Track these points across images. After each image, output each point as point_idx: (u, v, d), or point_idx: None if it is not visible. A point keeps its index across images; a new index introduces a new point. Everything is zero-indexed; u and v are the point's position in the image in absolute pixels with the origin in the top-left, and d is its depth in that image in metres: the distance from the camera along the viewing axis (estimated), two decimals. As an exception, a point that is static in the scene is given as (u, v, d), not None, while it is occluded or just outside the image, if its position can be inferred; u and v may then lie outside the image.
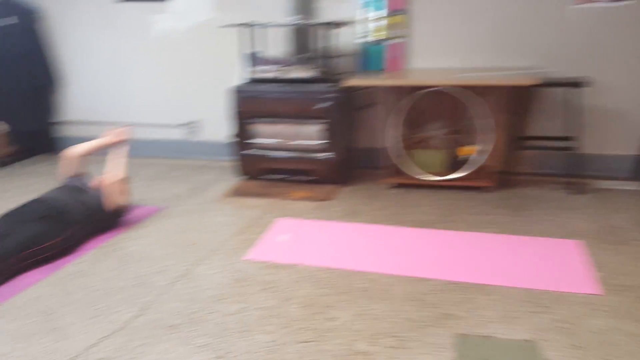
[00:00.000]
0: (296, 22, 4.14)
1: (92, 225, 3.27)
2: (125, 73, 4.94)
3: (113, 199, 3.34)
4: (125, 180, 3.47)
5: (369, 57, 4.33)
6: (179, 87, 4.85)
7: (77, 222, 3.13)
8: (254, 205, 3.77)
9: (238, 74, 4.37)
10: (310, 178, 4.13)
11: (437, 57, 4.20)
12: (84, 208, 3.20)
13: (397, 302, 2.47)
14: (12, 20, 4.80)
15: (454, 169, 4.00)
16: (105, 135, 3.62)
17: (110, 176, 3.41)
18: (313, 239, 3.20)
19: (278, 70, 4.12)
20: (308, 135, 4.06)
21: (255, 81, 4.15)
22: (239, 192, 4.03)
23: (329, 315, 2.39)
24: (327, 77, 4.04)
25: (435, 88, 3.72)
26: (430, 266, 2.80)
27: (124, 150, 3.57)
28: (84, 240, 3.21)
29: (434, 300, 2.48)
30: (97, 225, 3.31)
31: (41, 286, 2.70)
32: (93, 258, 3.00)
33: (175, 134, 4.98)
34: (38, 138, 5.14)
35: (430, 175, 3.96)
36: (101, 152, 3.58)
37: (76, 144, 5.20)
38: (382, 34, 4.27)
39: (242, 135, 4.19)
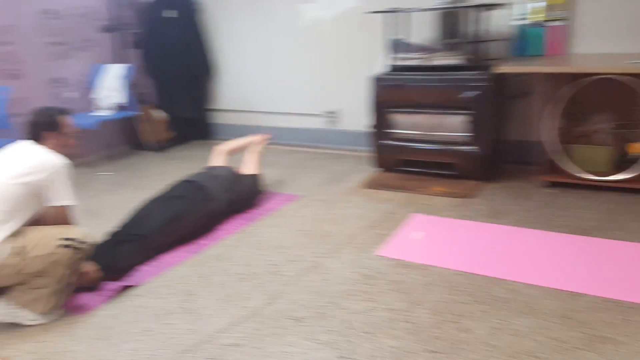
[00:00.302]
0: (445, 5, 3.88)
1: (231, 204, 3.40)
2: (272, 63, 5.08)
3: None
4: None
5: (526, 41, 3.94)
6: (322, 76, 4.86)
7: (215, 199, 3.28)
8: (389, 199, 3.63)
9: (380, 62, 4.24)
10: (451, 172, 3.88)
11: (604, 40, 3.69)
12: (222, 187, 3.37)
13: (543, 318, 2.19)
14: (174, 13, 5.16)
15: (620, 169, 3.49)
16: (250, 137, 4.05)
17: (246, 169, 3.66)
18: (450, 239, 2.98)
19: (422, 57, 3.92)
20: (451, 127, 3.81)
21: (398, 69, 3.99)
22: (374, 184, 3.92)
23: (462, 325, 2.18)
24: (476, 63, 3.75)
25: (604, 75, 3.25)
26: (584, 279, 2.45)
27: (259, 151, 3.95)
28: (222, 220, 3.34)
29: (586, 320, 2.16)
30: (235, 204, 3.43)
31: (182, 267, 2.84)
32: (230, 243, 3.10)
33: (316, 123, 5.01)
34: (193, 125, 5.50)
35: (592, 174, 3.50)
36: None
37: (226, 131, 5.52)
38: (541, 16, 3.85)
39: (381, 125, 4.06)
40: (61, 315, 2.41)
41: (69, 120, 2.56)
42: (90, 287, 2.62)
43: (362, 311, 2.33)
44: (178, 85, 5.31)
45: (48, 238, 2.30)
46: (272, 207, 3.61)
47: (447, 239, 2.98)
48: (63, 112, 2.55)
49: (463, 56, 3.78)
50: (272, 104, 5.19)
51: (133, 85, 5.25)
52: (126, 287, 2.63)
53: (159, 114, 5.30)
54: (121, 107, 4.87)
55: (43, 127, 2.46)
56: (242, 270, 2.76)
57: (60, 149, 2.48)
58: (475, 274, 2.57)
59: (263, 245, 3.05)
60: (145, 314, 2.42)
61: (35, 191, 2.30)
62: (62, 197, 2.37)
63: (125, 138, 5.33)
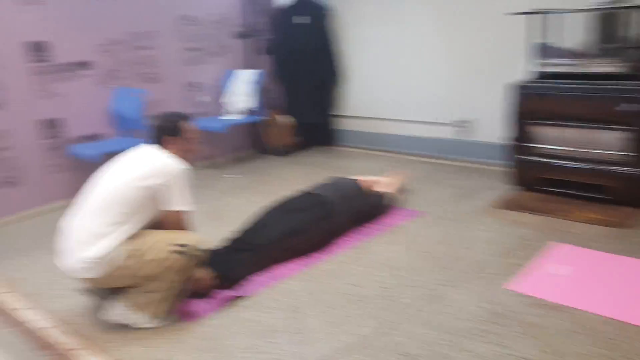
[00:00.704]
0: (604, 6, 3.38)
1: (351, 221, 3.22)
2: (401, 69, 4.84)
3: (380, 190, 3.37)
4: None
5: None
6: (454, 82, 4.52)
7: (338, 215, 3.11)
8: (526, 223, 3.22)
9: (523, 69, 3.81)
10: (603, 196, 3.35)
11: None
12: (345, 202, 3.18)
13: None
14: (305, 19, 5.13)
15: None
16: (386, 176, 3.82)
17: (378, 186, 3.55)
18: (601, 277, 2.53)
19: (575, 64, 3.45)
20: (605, 144, 3.30)
21: (544, 77, 3.55)
22: (509, 204, 3.52)
23: (615, 390, 1.79)
24: (638, 72, 3.21)
25: None
26: None
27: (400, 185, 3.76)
28: (341, 235, 3.16)
29: None
30: (355, 220, 3.25)
31: (292, 281, 2.71)
32: (343, 259, 2.92)
33: (446, 132, 4.67)
34: (318, 130, 5.43)
35: None
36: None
37: (351, 137, 5.38)
38: None
39: (521, 139, 3.63)
40: (173, 321, 2.39)
41: (191, 126, 2.54)
42: (204, 293, 2.58)
43: (490, 357, 2.01)
44: (305, 91, 5.28)
45: (163, 243, 2.29)
46: (391, 223, 3.37)
47: (595, 277, 2.53)
48: (185, 117, 2.54)
49: (624, 63, 3.25)
50: (399, 111, 4.95)
51: (263, 91, 5.32)
52: (237, 297, 2.56)
53: (286, 119, 5.30)
54: (250, 112, 4.93)
55: (165, 131, 2.47)
56: (354, 291, 2.56)
57: (182, 154, 2.47)
58: (630, 324, 2.12)
59: (378, 265, 2.82)
60: (252, 328, 2.31)
61: (153, 195, 2.30)
62: (179, 202, 2.35)
63: (252, 142, 5.41)
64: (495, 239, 3.02)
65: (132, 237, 2.27)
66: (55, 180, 4.02)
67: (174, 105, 4.68)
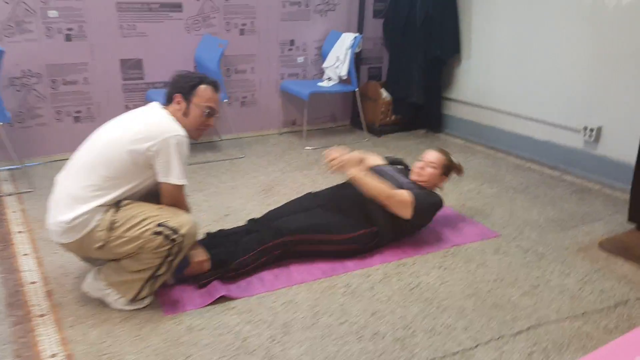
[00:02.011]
0: None
1: (390, 232, 2.62)
2: (530, 54, 3.99)
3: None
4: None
5: None
6: (592, 80, 3.61)
7: (383, 236, 2.58)
8: (631, 277, 2.43)
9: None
10: None
11: None
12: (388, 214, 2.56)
13: None
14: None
15: None
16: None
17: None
18: None
19: None
20: None
21: None
22: (621, 249, 2.70)
23: None
24: None
25: None
26: None
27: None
28: (378, 246, 2.63)
29: None
30: (395, 232, 2.65)
31: (301, 290, 2.28)
32: (372, 277, 2.41)
33: (569, 139, 3.81)
34: (421, 112, 4.79)
35: None
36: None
37: (459, 125, 4.68)
38: None
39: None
40: (148, 307, 2.11)
41: (211, 94, 2.16)
42: (203, 280, 2.25)
43: None
44: (413, 65, 4.62)
45: (141, 220, 1.98)
46: (451, 239, 2.77)
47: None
48: (209, 82, 2.16)
49: None
50: (518, 104, 4.14)
51: (364, 59, 4.80)
52: (228, 297, 2.20)
53: (386, 94, 4.74)
54: (346, 80, 4.45)
55: (178, 90, 2.13)
56: (369, 323, 2.07)
57: (188, 122, 2.12)
58: None
59: (412, 293, 2.28)
60: (227, 343, 1.95)
61: (143, 161, 1.99)
62: (168, 173, 2.01)
63: (347, 114, 4.94)
64: (577, 293, 2.31)
65: (115, 207, 2.00)
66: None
67: (264, 61, 4.37)
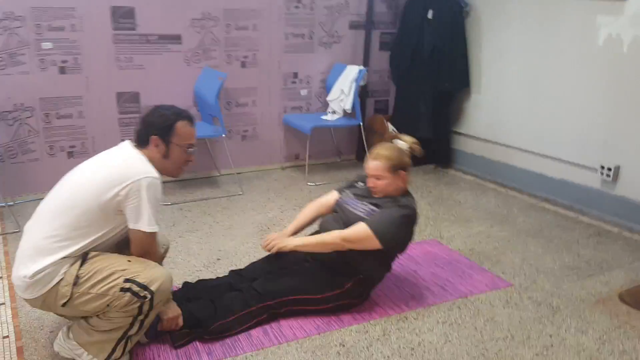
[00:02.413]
0: None
1: (377, 269, 2.37)
2: (543, 89, 3.81)
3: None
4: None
5: None
6: (609, 117, 3.41)
7: (354, 275, 2.30)
8: (656, 340, 2.20)
9: None
10: None
11: None
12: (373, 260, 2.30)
13: None
14: (437, 15, 4.31)
15: None
16: None
17: None
18: None
19: None
20: None
21: None
22: (639, 299, 2.48)
23: None
24: None
25: None
26: None
27: None
28: (372, 287, 2.42)
29: None
30: (383, 264, 2.38)
31: (288, 350, 2.08)
32: (369, 333, 2.20)
33: (585, 178, 3.59)
34: (431, 146, 4.60)
35: None
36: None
37: (469, 161, 4.49)
38: None
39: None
40: (120, 369, 1.92)
41: (189, 131, 2.00)
42: (176, 337, 2.06)
43: None
44: (420, 98, 4.47)
45: (108, 274, 1.80)
46: (457, 290, 2.55)
47: None
48: (185, 117, 2.00)
49: None
50: (532, 140, 3.94)
51: (370, 92, 4.66)
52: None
53: (393, 128, 4.58)
54: (351, 113, 4.30)
55: (154, 129, 1.94)
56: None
57: (165, 164, 1.96)
58: None
59: (413, 356, 2.07)
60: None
61: (109, 208, 1.81)
62: (138, 218, 1.83)
63: (352, 148, 4.78)
64: (598, 358, 2.08)
65: (82, 259, 1.83)
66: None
67: (266, 93, 4.24)
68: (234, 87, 4.09)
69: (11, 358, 1.99)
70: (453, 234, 3.21)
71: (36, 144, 3.58)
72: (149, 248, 1.92)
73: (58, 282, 1.79)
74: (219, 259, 2.81)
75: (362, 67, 4.21)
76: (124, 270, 1.82)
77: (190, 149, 2.00)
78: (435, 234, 3.23)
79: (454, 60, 4.33)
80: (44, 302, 1.83)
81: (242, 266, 2.51)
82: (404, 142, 2.40)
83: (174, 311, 2.06)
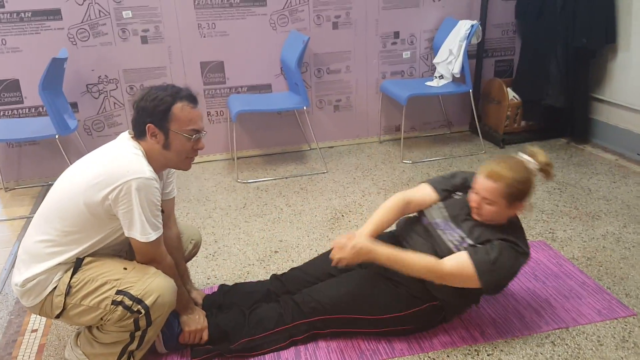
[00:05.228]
0: None
1: (458, 304, 1.91)
2: None
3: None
4: None
5: None
6: None
7: (429, 299, 1.83)
8: None
9: None
10: None
11: None
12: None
13: None
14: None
15: None
16: None
17: None
18: None
19: None
20: None
21: None
22: None
23: None
24: None
25: None
26: None
27: None
28: (441, 322, 1.94)
29: None
30: (466, 300, 1.90)
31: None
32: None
33: None
34: (562, 116, 3.80)
35: None
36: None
37: (611, 134, 3.63)
38: None
39: None
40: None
41: (189, 112, 1.64)
42: (196, 352, 1.81)
43: None
44: (551, 58, 3.66)
45: (100, 285, 1.59)
46: (556, 316, 1.96)
47: None
48: (183, 97, 1.64)
49: None
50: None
51: (488, 51, 3.94)
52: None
53: (514, 94, 3.86)
54: (458, 78, 3.68)
55: (148, 116, 1.62)
56: None
57: (168, 155, 1.65)
58: None
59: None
60: None
61: (99, 212, 1.56)
62: (131, 226, 1.57)
63: (466, 119, 4.14)
64: None
65: (78, 266, 1.62)
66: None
67: (362, 58, 3.76)
68: (325, 52, 3.69)
69: (30, 355, 1.89)
70: (570, 235, 2.55)
71: (122, 117, 3.54)
72: (153, 256, 1.66)
73: (52, 291, 1.60)
74: (276, 252, 2.50)
75: (474, 22, 3.54)
76: (117, 280, 1.59)
77: (195, 135, 1.66)
78: (546, 233, 2.59)
79: (594, 9, 3.45)
80: (42, 311, 1.66)
81: (299, 263, 2.18)
82: (536, 162, 1.78)
83: (197, 323, 1.81)
